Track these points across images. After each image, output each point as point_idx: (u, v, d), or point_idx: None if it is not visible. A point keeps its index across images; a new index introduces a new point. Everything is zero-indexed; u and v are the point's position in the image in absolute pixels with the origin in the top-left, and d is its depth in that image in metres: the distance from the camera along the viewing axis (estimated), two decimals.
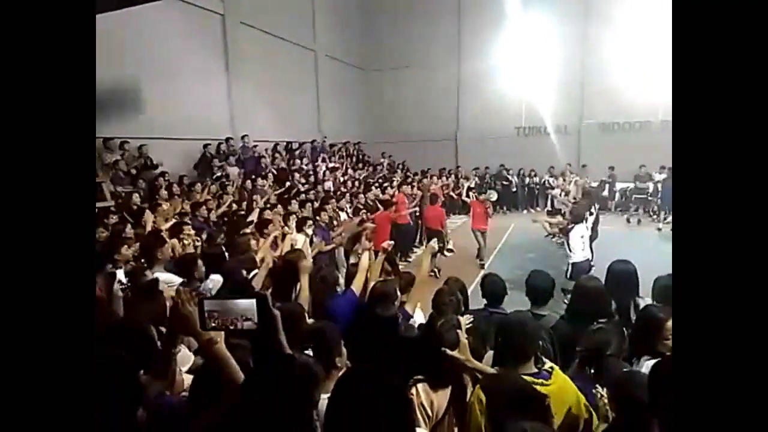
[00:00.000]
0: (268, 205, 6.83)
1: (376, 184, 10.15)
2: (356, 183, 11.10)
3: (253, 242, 4.61)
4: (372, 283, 3.07)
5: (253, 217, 6.11)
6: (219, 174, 8.83)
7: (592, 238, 6.90)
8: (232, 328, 1.36)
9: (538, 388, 1.61)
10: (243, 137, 10.37)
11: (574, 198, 9.26)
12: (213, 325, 1.37)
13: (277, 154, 11.00)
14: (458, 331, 1.89)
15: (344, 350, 1.84)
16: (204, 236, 5.30)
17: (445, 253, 8.31)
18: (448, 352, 1.82)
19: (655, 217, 12.38)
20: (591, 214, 6.81)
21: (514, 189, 15.27)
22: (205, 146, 9.38)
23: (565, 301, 5.08)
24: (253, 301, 1.36)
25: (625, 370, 1.95)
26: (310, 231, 5.98)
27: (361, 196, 8.96)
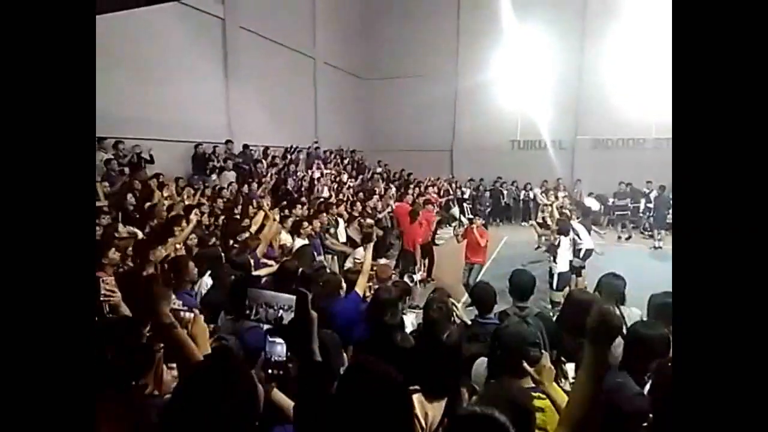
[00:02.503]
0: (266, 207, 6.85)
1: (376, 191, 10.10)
2: (351, 190, 11.08)
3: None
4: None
5: (255, 227, 6.08)
6: (215, 173, 8.81)
7: (586, 255, 6.96)
8: (273, 321, 1.35)
9: (536, 402, 1.60)
10: (244, 147, 10.40)
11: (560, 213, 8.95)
12: (255, 317, 1.37)
13: (275, 160, 10.98)
14: (544, 352, 1.84)
15: (345, 359, 1.81)
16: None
17: (415, 278, 6.69)
18: (528, 368, 1.78)
19: (646, 233, 12.47)
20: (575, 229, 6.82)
21: (508, 202, 15.35)
22: (197, 146, 9.35)
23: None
24: (293, 297, 1.31)
25: (617, 380, 1.93)
26: (303, 238, 6.05)
27: (358, 204, 8.94)
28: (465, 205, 14.38)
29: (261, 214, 6.01)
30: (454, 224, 11.40)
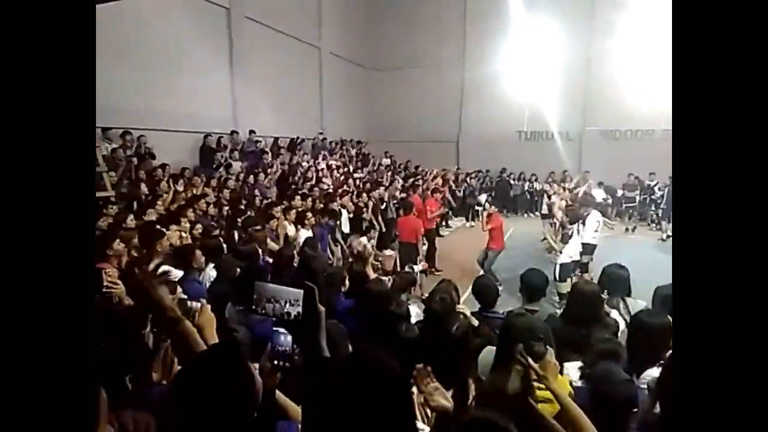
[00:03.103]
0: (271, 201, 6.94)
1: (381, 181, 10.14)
2: (356, 181, 11.06)
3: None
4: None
5: (273, 225, 6.14)
6: (221, 168, 8.85)
7: (584, 249, 6.93)
8: (280, 316, 1.31)
9: (539, 393, 1.62)
10: (250, 132, 10.47)
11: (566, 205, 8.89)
12: (262, 312, 1.33)
13: (281, 150, 11.00)
14: (549, 348, 1.82)
15: (351, 349, 1.83)
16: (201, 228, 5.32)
17: (415, 269, 6.22)
18: (531, 363, 1.79)
19: (653, 225, 12.38)
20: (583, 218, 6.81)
21: (514, 194, 15.29)
22: (206, 137, 9.38)
23: (557, 304, 5.16)
24: (300, 291, 1.29)
25: (604, 368, 1.94)
26: (308, 229, 6.14)
27: (364, 195, 8.93)
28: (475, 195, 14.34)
29: (277, 221, 6.08)
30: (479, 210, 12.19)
